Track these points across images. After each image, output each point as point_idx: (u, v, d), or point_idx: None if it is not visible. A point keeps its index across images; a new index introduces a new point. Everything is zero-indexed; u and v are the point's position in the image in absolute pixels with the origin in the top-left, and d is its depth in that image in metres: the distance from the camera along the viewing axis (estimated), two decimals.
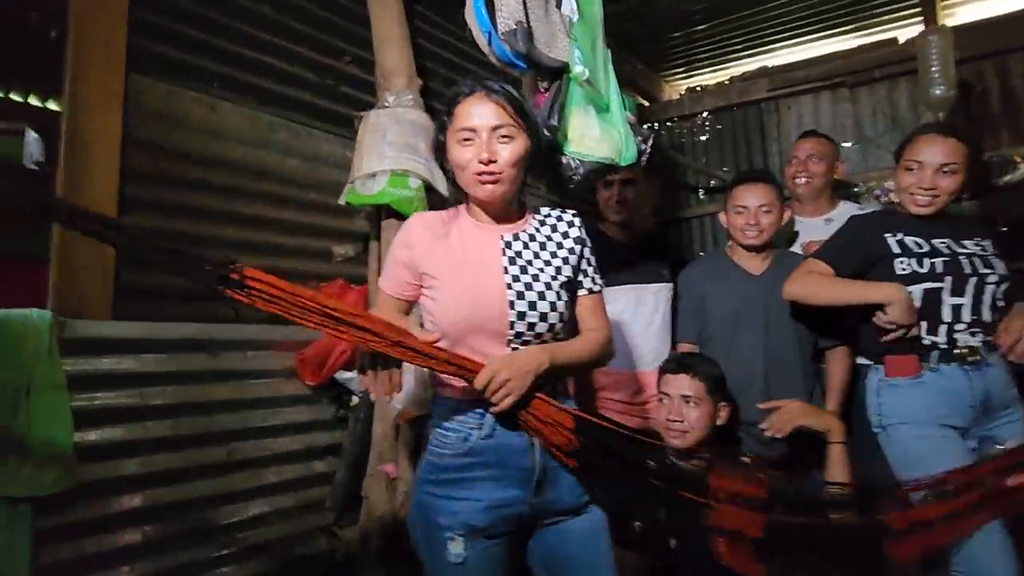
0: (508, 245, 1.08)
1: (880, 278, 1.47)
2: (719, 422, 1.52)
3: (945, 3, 2.93)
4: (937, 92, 1.99)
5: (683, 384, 1.50)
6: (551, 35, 1.31)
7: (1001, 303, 1.43)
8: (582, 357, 1.11)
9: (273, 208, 1.77)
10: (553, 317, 1.05)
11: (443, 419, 1.06)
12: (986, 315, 1.41)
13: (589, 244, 1.15)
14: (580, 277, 1.13)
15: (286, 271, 1.78)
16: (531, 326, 1.03)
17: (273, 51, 1.81)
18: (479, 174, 1.02)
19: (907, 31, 3.07)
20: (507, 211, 1.11)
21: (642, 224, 2.01)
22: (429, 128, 1.77)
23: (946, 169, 1.44)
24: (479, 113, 1.02)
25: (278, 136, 1.81)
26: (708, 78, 3.75)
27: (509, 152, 1.03)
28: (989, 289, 1.42)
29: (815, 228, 2.00)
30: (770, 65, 3.45)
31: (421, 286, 1.09)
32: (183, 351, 1.50)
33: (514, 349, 1.04)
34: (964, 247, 1.44)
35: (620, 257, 1.84)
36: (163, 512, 1.41)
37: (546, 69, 1.32)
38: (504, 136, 1.02)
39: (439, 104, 1.89)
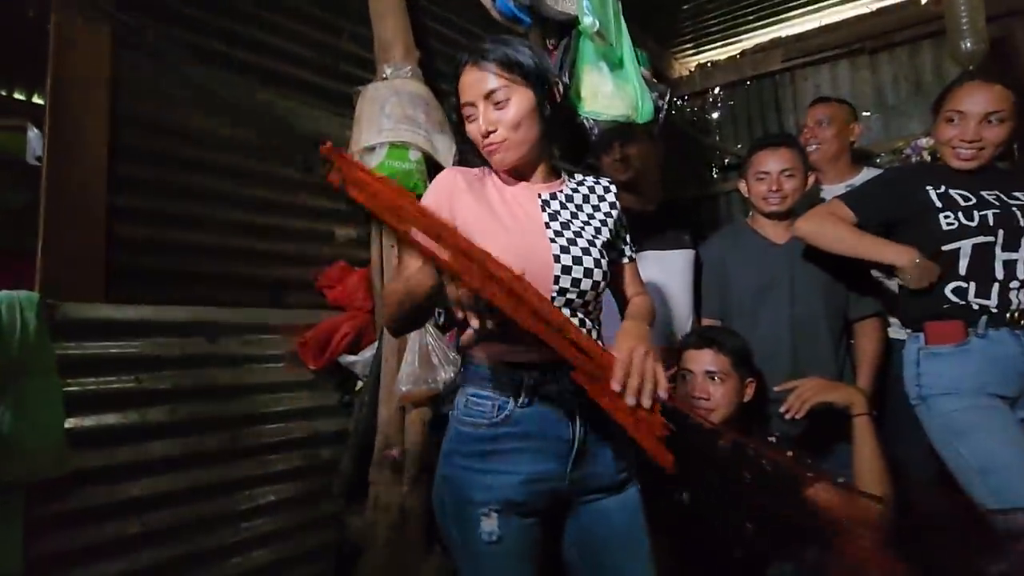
0: (546, 204, 1.04)
1: (921, 235, 1.37)
2: (746, 398, 1.44)
3: None
4: (967, 45, 1.86)
5: (707, 359, 1.42)
6: None
7: None
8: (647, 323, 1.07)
9: (273, 189, 1.71)
10: (597, 275, 1.00)
11: (475, 386, 0.99)
12: None
13: (622, 211, 1.12)
14: (620, 244, 1.11)
15: (287, 254, 1.73)
16: (576, 282, 0.98)
17: (270, 27, 1.73)
18: (486, 147, 1.01)
19: None
20: (537, 171, 1.07)
21: (651, 190, 1.90)
22: (429, 100, 1.68)
23: (992, 118, 1.33)
24: (471, 84, 0.99)
25: (276, 114, 1.74)
26: (719, 53, 3.63)
27: (508, 115, 0.98)
28: None
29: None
30: (783, 35, 3.32)
31: None
32: (181, 335, 1.44)
33: None
34: (1016, 198, 1.33)
35: (637, 224, 1.75)
36: (164, 501, 1.35)
37: (553, 24, 1.23)
38: (498, 102, 0.98)
39: (444, 84, 1.82)
